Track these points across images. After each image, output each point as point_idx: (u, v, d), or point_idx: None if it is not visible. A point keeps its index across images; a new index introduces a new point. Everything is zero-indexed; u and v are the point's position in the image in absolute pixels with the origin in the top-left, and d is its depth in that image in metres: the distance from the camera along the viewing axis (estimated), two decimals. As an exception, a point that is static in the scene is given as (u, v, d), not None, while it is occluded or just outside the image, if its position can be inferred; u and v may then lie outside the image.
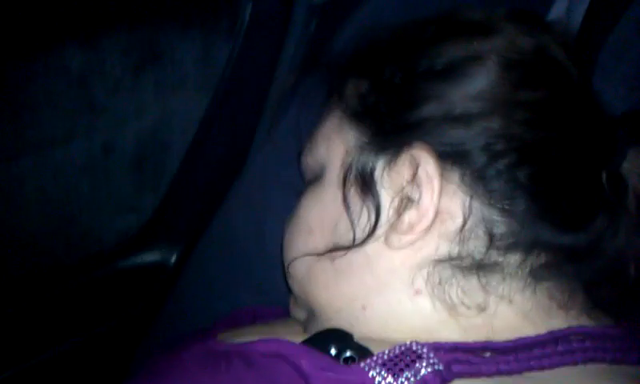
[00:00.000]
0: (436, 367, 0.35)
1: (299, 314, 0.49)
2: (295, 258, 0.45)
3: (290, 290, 0.49)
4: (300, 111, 0.58)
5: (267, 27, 0.58)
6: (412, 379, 0.34)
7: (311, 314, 0.46)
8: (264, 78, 0.62)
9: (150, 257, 0.73)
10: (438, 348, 0.36)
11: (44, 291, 0.65)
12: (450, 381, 0.34)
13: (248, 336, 0.45)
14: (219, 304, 0.69)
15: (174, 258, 0.74)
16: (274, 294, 0.62)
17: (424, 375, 0.34)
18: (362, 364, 0.35)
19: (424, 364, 0.35)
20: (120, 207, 0.68)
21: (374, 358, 0.36)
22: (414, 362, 0.35)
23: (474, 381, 0.35)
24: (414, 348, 0.36)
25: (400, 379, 0.34)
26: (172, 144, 0.66)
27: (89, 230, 0.67)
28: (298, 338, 0.41)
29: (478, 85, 0.40)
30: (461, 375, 0.35)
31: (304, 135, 0.51)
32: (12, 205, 0.59)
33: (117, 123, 0.60)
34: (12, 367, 0.64)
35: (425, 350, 0.36)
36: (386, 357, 0.36)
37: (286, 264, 0.47)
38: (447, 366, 0.35)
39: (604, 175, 0.41)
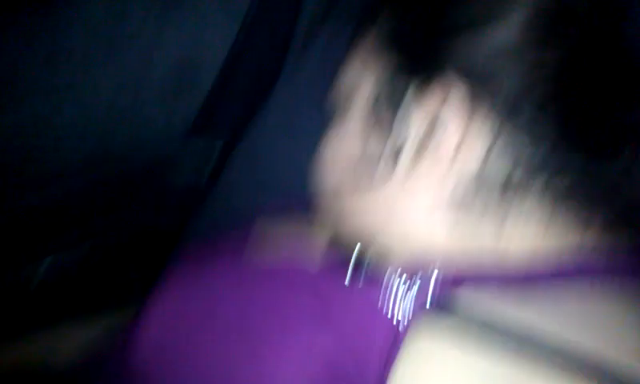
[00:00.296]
0: (442, 284, 0.38)
1: (326, 231, 0.53)
2: (321, 189, 0.49)
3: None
4: (332, 37, 0.57)
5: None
6: (417, 294, 0.38)
7: (336, 236, 0.50)
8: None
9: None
10: (447, 265, 0.40)
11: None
12: (456, 295, 0.38)
13: (284, 237, 0.51)
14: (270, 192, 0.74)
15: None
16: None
17: (429, 293, 0.38)
18: (373, 279, 0.40)
19: (431, 278, 0.39)
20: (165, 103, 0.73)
21: (385, 274, 0.40)
22: (420, 279, 0.39)
23: (488, 292, 0.38)
24: (424, 266, 0.40)
25: (407, 296, 0.38)
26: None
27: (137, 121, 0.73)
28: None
29: (518, 13, 0.40)
30: (469, 283, 0.38)
31: (336, 61, 0.52)
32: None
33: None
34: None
35: (433, 269, 0.39)
36: (395, 273, 0.39)
37: (313, 193, 0.51)
38: (454, 279, 0.38)
39: (634, 111, 0.41)
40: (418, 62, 0.42)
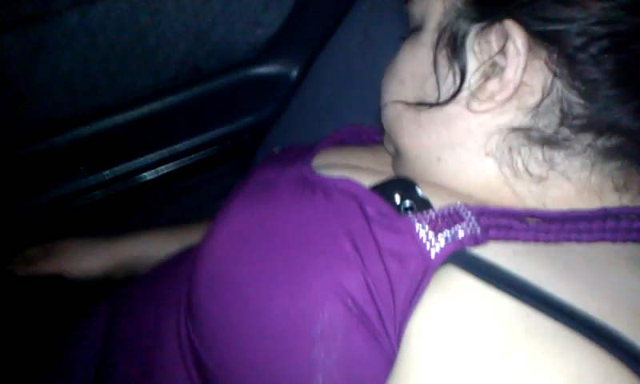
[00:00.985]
0: (473, 231, 0.39)
1: (389, 147, 0.54)
2: (387, 103, 0.50)
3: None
4: None
5: None
6: (449, 238, 0.39)
7: (396, 152, 0.52)
8: None
9: (275, 68, 0.81)
10: (483, 212, 0.40)
11: (185, 91, 0.77)
12: (484, 243, 0.39)
13: (340, 161, 0.53)
14: (331, 119, 0.77)
15: (295, 72, 0.81)
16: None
17: (460, 236, 0.39)
18: (413, 217, 0.41)
19: (463, 225, 0.40)
20: (249, 22, 0.75)
21: (424, 214, 0.41)
22: (455, 222, 0.40)
23: (512, 245, 0.39)
24: (460, 210, 0.41)
25: (440, 235, 0.39)
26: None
27: (222, 41, 0.76)
28: (383, 168, 0.50)
29: None
30: (496, 239, 0.39)
31: None
32: (156, 18, 0.69)
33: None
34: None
35: (468, 214, 0.40)
36: (434, 214, 0.41)
37: (381, 105, 0.52)
38: (485, 229, 0.39)
39: None
40: (484, 5, 0.42)
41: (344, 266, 0.40)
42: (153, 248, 0.75)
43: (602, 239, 0.40)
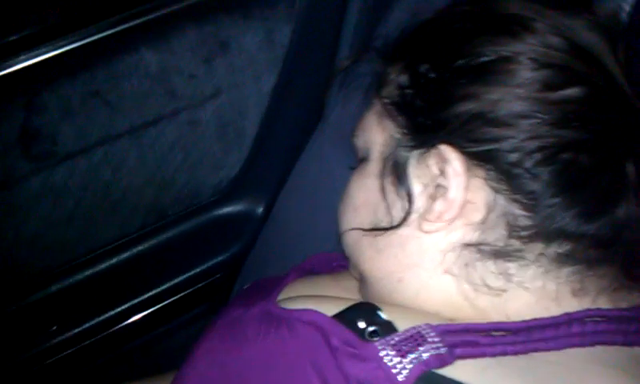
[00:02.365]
0: (439, 351, 0.39)
1: (354, 273, 0.54)
2: (345, 231, 0.51)
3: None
4: (352, 92, 0.61)
5: (325, 7, 0.61)
6: (415, 360, 0.38)
7: (361, 277, 0.52)
8: (326, 51, 0.65)
9: (241, 206, 0.82)
10: (446, 331, 0.40)
11: (153, 239, 0.78)
12: (451, 363, 0.38)
13: (306, 292, 0.53)
14: (302, 248, 0.77)
15: (261, 208, 0.83)
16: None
17: (426, 358, 0.38)
18: (378, 343, 0.40)
19: (428, 347, 0.39)
20: (210, 167, 0.78)
21: (388, 339, 0.40)
22: (420, 344, 0.39)
23: (480, 361, 0.39)
24: (423, 332, 0.40)
25: (405, 360, 0.38)
26: (248, 113, 0.73)
27: (186, 187, 0.78)
28: (349, 295, 0.49)
29: (508, 85, 0.41)
30: (463, 356, 0.38)
31: (356, 115, 0.54)
32: (120, 173, 0.71)
33: (197, 104, 0.68)
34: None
35: (432, 335, 0.40)
36: (397, 339, 0.40)
37: (340, 233, 0.52)
38: (450, 348, 0.39)
39: (629, 164, 0.42)
40: (418, 132, 0.45)
41: None
42: None
43: (571, 345, 0.40)
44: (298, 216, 0.79)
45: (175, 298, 0.81)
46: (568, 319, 0.40)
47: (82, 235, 0.76)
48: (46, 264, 0.76)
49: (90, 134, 0.64)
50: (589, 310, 0.41)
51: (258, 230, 0.82)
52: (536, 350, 0.39)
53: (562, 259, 0.42)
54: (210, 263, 0.81)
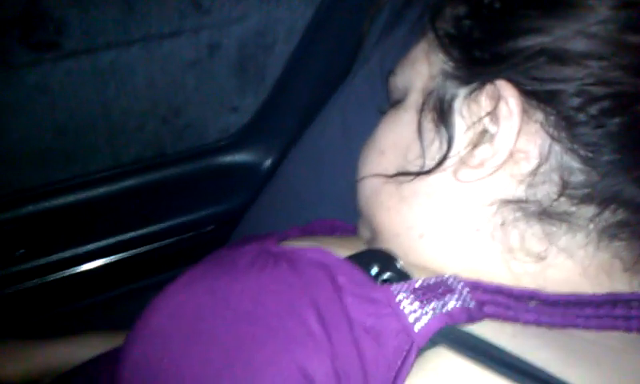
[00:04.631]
0: (466, 303, 0.34)
1: (364, 232, 0.49)
2: (365, 177, 0.46)
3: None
4: (396, 32, 0.55)
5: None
6: (437, 310, 0.33)
7: (373, 235, 0.46)
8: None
9: (246, 157, 0.76)
10: (476, 286, 0.35)
11: (146, 175, 0.71)
12: (479, 320, 0.33)
13: (308, 245, 0.46)
14: (303, 213, 0.71)
15: (268, 162, 0.77)
16: (357, 213, 0.63)
17: (451, 309, 0.33)
18: (394, 286, 0.35)
19: (455, 297, 0.34)
20: (222, 105, 0.71)
21: (407, 284, 0.35)
22: (444, 294, 0.34)
23: (511, 326, 0.34)
24: (450, 281, 0.35)
25: (426, 308, 0.33)
26: (274, 50, 0.67)
27: (192, 124, 0.71)
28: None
29: (584, 21, 0.36)
30: (493, 317, 0.34)
31: (395, 58, 0.49)
32: (124, 90, 0.64)
33: (221, 24, 0.61)
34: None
35: (459, 286, 0.35)
36: (418, 285, 0.35)
37: (357, 181, 0.47)
38: (480, 304, 0.34)
39: None
40: (473, 66, 0.40)
41: (307, 346, 0.33)
42: (88, 354, 0.64)
43: (613, 327, 0.35)
44: (305, 179, 0.73)
45: (160, 244, 0.73)
46: (612, 299, 0.36)
47: (70, 155, 0.69)
48: (23, 180, 0.69)
49: (100, 33, 0.57)
50: (636, 293, 0.37)
51: (260, 187, 0.75)
52: (574, 327, 0.35)
53: (614, 230, 0.37)
54: (204, 213, 0.74)
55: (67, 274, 0.73)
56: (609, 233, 0.37)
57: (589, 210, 0.37)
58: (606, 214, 0.37)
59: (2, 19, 0.53)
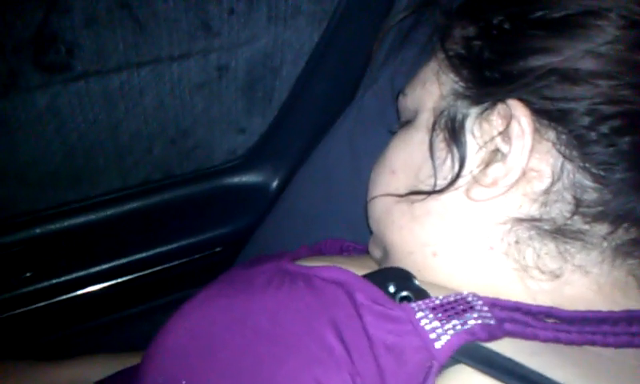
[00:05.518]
0: (487, 321, 0.33)
1: (375, 252, 0.49)
2: (376, 197, 0.46)
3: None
4: (404, 53, 0.56)
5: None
6: (459, 327, 0.33)
7: (385, 254, 0.46)
8: (377, 14, 0.60)
9: (254, 178, 0.76)
10: (495, 304, 0.35)
11: (154, 197, 0.71)
12: (500, 337, 0.33)
13: (321, 263, 0.46)
14: (311, 233, 0.71)
15: (275, 183, 0.77)
16: (365, 233, 0.63)
17: (472, 326, 0.33)
18: (413, 304, 0.35)
19: (475, 315, 0.34)
20: (230, 127, 0.72)
21: (427, 301, 0.35)
22: (465, 311, 0.34)
23: (529, 343, 0.33)
24: (469, 299, 0.35)
25: (446, 326, 0.33)
26: (282, 71, 0.67)
27: (200, 145, 0.72)
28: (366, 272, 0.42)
29: (593, 41, 0.36)
30: (513, 334, 0.33)
31: (405, 77, 0.50)
32: (133, 112, 0.65)
33: (230, 46, 0.62)
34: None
35: (479, 303, 0.35)
36: (438, 302, 0.35)
37: (367, 201, 0.47)
38: (500, 322, 0.33)
39: None
40: (484, 85, 0.40)
41: (327, 363, 0.33)
42: (96, 376, 0.64)
43: (630, 344, 0.35)
44: (313, 199, 0.73)
45: (168, 265, 0.73)
46: (628, 316, 0.36)
47: (78, 177, 0.70)
48: (32, 201, 0.69)
49: (110, 55, 0.57)
50: None
51: (267, 208, 0.75)
52: (592, 344, 0.34)
53: (627, 248, 0.37)
54: (211, 234, 0.74)
55: (74, 295, 0.72)
56: (623, 250, 0.37)
57: (602, 228, 0.37)
58: (620, 231, 0.37)
59: (14, 42, 0.53)
